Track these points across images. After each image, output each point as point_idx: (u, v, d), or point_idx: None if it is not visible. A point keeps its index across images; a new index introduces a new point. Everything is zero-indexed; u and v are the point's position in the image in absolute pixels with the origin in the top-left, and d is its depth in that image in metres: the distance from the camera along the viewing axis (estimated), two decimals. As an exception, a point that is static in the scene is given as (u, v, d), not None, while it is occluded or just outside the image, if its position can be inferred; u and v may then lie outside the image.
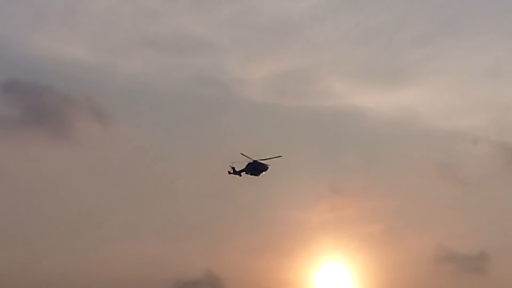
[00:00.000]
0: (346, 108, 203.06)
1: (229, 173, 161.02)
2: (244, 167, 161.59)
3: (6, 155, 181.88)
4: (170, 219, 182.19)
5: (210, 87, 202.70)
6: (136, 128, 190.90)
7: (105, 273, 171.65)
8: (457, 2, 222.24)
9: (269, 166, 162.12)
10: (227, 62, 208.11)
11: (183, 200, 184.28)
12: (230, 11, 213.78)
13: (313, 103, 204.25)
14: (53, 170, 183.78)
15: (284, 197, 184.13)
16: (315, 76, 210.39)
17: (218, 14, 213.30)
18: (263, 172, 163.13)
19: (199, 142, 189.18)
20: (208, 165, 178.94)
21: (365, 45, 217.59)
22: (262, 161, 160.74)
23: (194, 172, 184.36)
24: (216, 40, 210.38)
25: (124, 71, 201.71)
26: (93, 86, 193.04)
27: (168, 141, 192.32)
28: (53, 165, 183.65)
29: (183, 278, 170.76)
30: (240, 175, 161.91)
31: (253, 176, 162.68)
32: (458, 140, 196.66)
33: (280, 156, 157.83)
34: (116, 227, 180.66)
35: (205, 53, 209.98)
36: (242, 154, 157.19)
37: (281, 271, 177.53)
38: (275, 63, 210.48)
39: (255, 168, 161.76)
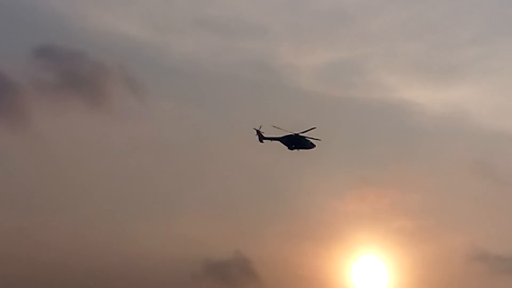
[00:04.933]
0: (394, 101, 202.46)
1: (257, 133, 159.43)
2: (279, 136, 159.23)
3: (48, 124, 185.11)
4: (205, 199, 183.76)
5: (260, 71, 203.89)
6: (181, 107, 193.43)
7: (136, 249, 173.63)
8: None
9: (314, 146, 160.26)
10: (279, 47, 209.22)
11: (219, 182, 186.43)
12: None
13: (362, 95, 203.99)
14: (96, 143, 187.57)
15: (322, 184, 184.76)
16: (366, 67, 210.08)
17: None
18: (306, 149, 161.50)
19: (241, 124, 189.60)
20: (247, 148, 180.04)
21: (419, 39, 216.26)
22: (306, 137, 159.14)
23: (233, 155, 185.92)
24: (270, 25, 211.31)
25: (177, 50, 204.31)
26: (144, 63, 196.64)
27: (211, 122, 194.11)
28: (97, 138, 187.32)
29: (214, 258, 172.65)
30: (262, 141, 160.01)
31: (292, 157, 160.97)
32: (505, 141, 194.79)
33: (314, 128, 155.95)
34: (148, 204, 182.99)
35: (258, 37, 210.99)
36: (274, 126, 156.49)
37: (315, 259, 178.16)
38: (327, 51, 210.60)
39: (297, 142, 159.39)
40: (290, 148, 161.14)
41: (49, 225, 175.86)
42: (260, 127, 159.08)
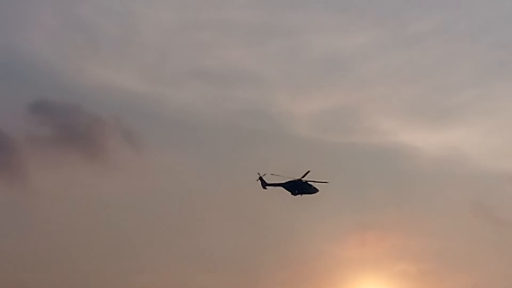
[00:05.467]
0: (392, 145, 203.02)
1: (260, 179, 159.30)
2: (281, 182, 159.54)
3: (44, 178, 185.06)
4: (203, 249, 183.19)
5: (258, 120, 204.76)
6: (179, 158, 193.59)
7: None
8: (510, 45, 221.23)
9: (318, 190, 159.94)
10: (275, 95, 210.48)
11: (218, 232, 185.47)
12: (281, 45, 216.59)
13: (359, 140, 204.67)
14: (93, 197, 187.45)
15: (322, 230, 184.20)
16: (363, 112, 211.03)
17: (269, 47, 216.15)
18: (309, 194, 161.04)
19: (240, 173, 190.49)
20: (246, 197, 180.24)
21: (415, 83, 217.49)
22: (309, 182, 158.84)
23: (232, 204, 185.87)
24: (266, 74, 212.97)
25: (174, 102, 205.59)
26: (141, 115, 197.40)
27: (209, 172, 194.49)
28: (94, 192, 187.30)
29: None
30: (265, 188, 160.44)
31: (291, 204, 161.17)
32: (503, 183, 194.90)
33: (327, 182, 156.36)
34: (146, 256, 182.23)
35: (254, 86, 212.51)
36: (273, 174, 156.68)
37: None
38: (324, 98, 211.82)
39: (300, 187, 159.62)
40: (293, 193, 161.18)
41: (46, 280, 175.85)
42: (264, 174, 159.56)
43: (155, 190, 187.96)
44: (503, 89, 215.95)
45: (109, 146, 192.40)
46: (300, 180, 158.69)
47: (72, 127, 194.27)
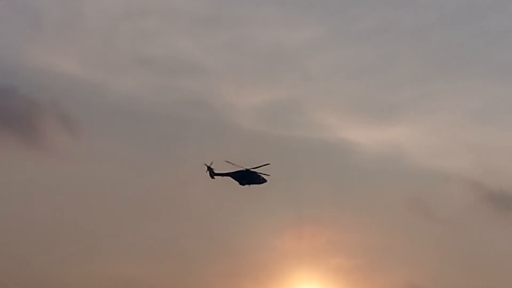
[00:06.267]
0: (334, 140, 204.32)
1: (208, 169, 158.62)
2: (230, 172, 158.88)
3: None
4: (143, 239, 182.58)
5: (201, 110, 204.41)
6: (120, 146, 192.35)
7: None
8: (453, 45, 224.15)
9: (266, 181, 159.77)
10: (220, 87, 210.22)
11: (158, 222, 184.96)
12: (227, 37, 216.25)
13: (302, 134, 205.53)
14: (31, 182, 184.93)
15: (261, 223, 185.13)
16: (306, 107, 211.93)
17: (215, 39, 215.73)
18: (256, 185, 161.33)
19: (180, 163, 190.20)
20: (186, 187, 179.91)
21: (358, 79, 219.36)
22: (257, 173, 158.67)
23: (171, 194, 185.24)
24: (211, 65, 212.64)
25: (116, 89, 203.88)
26: (82, 101, 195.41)
27: (149, 160, 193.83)
28: (32, 177, 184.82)
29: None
30: (213, 177, 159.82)
31: (230, 197, 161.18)
32: (440, 180, 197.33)
33: (268, 164, 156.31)
34: (84, 244, 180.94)
35: (199, 76, 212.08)
36: (227, 161, 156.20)
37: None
38: (268, 91, 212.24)
39: (248, 177, 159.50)
40: (241, 183, 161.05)
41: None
42: (211, 163, 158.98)
43: (92, 177, 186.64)
44: (445, 89, 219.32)
45: (46, 131, 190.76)
46: (248, 170, 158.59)
47: (8, 111, 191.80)
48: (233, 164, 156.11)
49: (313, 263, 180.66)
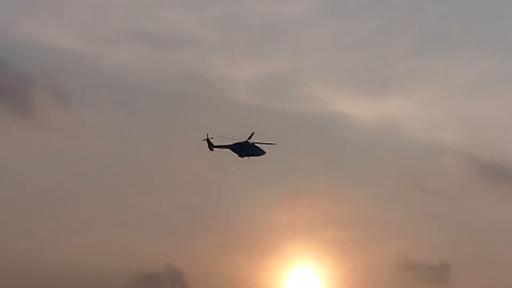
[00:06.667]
0: (328, 113, 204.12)
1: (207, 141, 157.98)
2: (229, 144, 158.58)
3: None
4: (137, 211, 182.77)
5: (194, 84, 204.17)
6: (112, 119, 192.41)
7: (66, 262, 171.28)
8: (447, 17, 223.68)
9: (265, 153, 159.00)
10: (213, 60, 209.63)
11: (151, 194, 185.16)
12: (220, 10, 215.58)
13: (295, 107, 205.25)
14: (24, 155, 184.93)
15: (256, 196, 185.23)
16: (300, 80, 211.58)
17: (209, 11, 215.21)
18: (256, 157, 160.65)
19: (173, 136, 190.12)
20: (179, 159, 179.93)
21: (352, 52, 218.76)
22: (257, 145, 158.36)
23: (165, 166, 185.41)
24: (204, 38, 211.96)
25: (109, 62, 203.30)
26: (75, 74, 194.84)
27: (143, 133, 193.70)
28: (25, 150, 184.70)
29: (145, 271, 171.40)
30: (212, 150, 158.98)
31: (225, 169, 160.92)
32: (434, 153, 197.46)
33: (274, 144, 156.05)
34: (78, 216, 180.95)
35: (192, 50, 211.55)
36: (221, 136, 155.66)
37: (249, 271, 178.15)
38: (261, 64, 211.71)
39: (247, 149, 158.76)
40: (241, 155, 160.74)
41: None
42: (208, 135, 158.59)
43: (85, 149, 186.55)
44: (440, 61, 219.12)
45: (38, 104, 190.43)
46: (247, 141, 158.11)
47: (1, 84, 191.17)
48: (225, 137, 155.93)
49: (307, 235, 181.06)
